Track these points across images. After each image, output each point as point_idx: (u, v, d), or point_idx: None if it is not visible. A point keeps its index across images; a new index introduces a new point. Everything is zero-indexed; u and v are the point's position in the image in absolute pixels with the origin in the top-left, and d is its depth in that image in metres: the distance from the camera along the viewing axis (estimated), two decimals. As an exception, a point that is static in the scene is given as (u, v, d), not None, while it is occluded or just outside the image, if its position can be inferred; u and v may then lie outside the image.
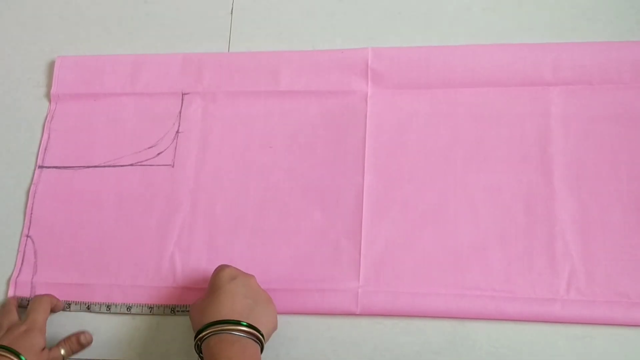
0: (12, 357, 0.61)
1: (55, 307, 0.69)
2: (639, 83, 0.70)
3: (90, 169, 0.75)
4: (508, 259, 0.67)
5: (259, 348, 0.59)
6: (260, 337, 0.59)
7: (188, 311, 0.67)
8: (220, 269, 0.64)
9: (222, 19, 0.81)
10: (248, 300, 0.61)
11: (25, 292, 0.71)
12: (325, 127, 0.74)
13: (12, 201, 0.75)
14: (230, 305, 0.60)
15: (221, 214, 0.72)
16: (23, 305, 0.70)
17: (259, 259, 0.70)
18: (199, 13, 0.81)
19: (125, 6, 0.83)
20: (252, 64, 0.76)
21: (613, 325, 0.64)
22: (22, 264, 0.72)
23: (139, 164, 0.75)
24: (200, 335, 0.59)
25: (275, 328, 0.63)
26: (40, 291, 0.71)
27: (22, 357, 0.61)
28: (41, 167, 0.76)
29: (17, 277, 0.71)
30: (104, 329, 0.69)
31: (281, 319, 0.68)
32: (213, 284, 0.63)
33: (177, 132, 0.75)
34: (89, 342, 0.68)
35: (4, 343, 0.62)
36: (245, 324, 0.58)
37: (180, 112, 0.76)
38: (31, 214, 0.74)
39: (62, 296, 0.70)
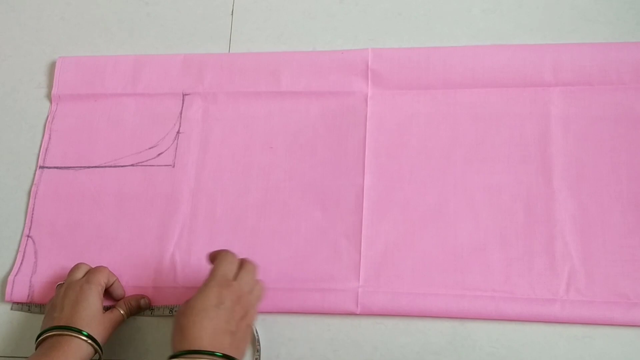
0: (78, 335, 0.61)
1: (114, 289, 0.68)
2: (638, 84, 0.70)
3: (91, 169, 0.75)
4: (508, 260, 0.67)
5: None
6: None
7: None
8: (210, 285, 0.60)
9: (223, 20, 0.81)
10: (231, 332, 0.58)
11: (23, 292, 0.71)
12: (325, 127, 0.74)
13: (13, 201, 0.76)
14: (212, 335, 0.57)
15: (221, 214, 0.72)
16: (24, 311, 0.71)
17: (259, 258, 0.69)
18: (199, 14, 0.81)
19: (126, 7, 0.83)
20: (253, 65, 0.77)
21: (612, 325, 0.64)
22: (21, 263, 0.72)
23: (140, 164, 0.75)
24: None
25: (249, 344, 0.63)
26: (39, 291, 0.71)
27: (84, 332, 0.61)
28: (42, 167, 0.76)
29: (15, 276, 0.72)
30: (105, 329, 0.69)
31: (281, 319, 0.68)
32: (201, 302, 0.59)
33: (178, 132, 0.75)
34: (148, 307, 0.69)
35: (63, 323, 0.62)
36: (220, 354, 0.57)
37: (181, 113, 0.76)
38: (32, 214, 0.74)
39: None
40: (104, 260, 0.71)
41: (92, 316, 0.63)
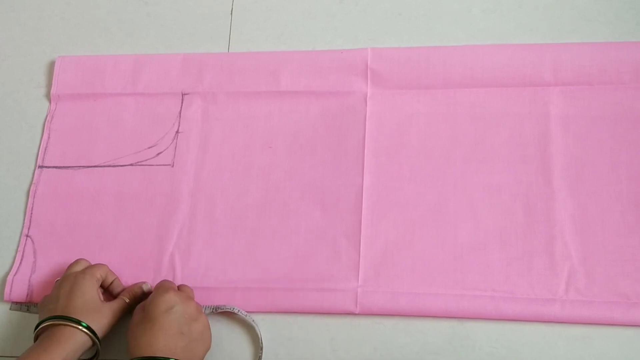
0: (71, 324, 0.61)
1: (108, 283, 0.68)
2: (638, 83, 0.70)
3: (90, 168, 0.75)
4: (507, 259, 0.67)
5: None
6: None
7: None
8: (159, 294, 0.62)
9: (222, 20, 0.81)
10: (183, 336, 0.60)
11: (22, 292, 0.71)
12: (325, 127, 0.74)
13: (12, 201, 0.75)
14: (163, 341, 0.59)
15: (221, 214, 0.72)
16: (23, 311, 0.71)
17: (259, 258, 0.70)
18: (199, 13, 0.81)
19: (125, 7, 0.83)
20: (253, 65, 0.77)
21: (612, 325, 0.64)
22: (20, 263, 0.72)
23: (139, 163, 0.75)
24: None
25: (208, 349, 0.64)
26: (38, 291, 0.70)
27: (78, 321, 0.61)
28: (41, 167, 0.76)
29: (15, 275, 0.71)
30: (104, 328, 0.69)
31: (280, 319, 0.68)
32: (149, 311, 0.61)
33: (177, 132, 0.75)
34: (151, 292, 0.68)
35: (58, 313, 0.62)
36: None
37: (180, 112, 0.76)
38: (31, 213, 0.74)
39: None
40: (103, 260, 0.70)
41: (87, 305, 0.63)
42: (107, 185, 0.74)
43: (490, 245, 0.67)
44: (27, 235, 0.73)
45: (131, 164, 0.75)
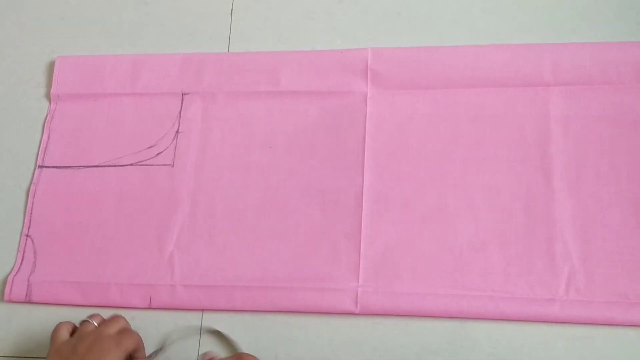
0: None
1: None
2: (638, 84, 0.70)
3: (90, 168, 0.75)
4: (507, 260, 0.67)
5: None
6: None
7: None
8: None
9: (222, 20, 0.81)
10: None
11: (21, 291, 0.71)
12: (325, 127, 0.74)
13: (12, 201, 0.75)
14: None
15: (221, 213, 0.72)
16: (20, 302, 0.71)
17: (259, 258, 0.70)
18: (199, 13, 0.81)
19: (125, 7, 0.83)
20: (252, 64, 0.77)
21: (612, 325, 0.64)
22: (21, 263, 0.72)
23: (139, 163, 0.75)
24: None
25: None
26: (37, 290, 0.70)
27: None
28: (41, 166, 0.76)
29: (15, 275, 0.71)
30: (103, 328, 0.69)
31: (280, 319, 0.68)
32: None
33: (177, 132, 0.75)
34: None
35: None
36: None
37: (180, 112, 0.76)
38: (31, 213, 0.74)
39: (59, 295, 0.70)
40: (103, 259, 0.71)
41: None
42: (107, 185, 0.74)
43: (490, 246, 0.67)
44: (27, 235, 0.73)
45: (131, 164, 0.75)
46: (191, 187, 0.73)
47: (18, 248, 0.73)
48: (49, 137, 0.77)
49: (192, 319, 0.69)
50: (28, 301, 0.71)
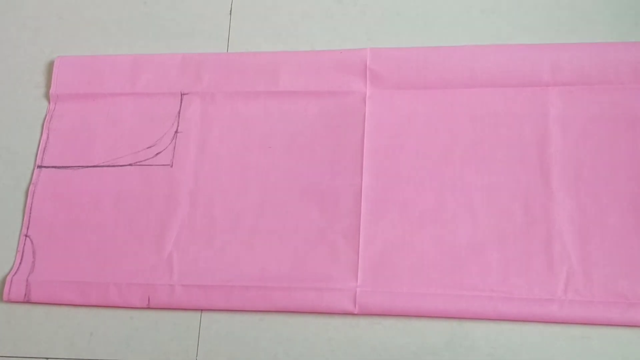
0: None
1: None
2: (637, 84, 0.70)
3: (89, 168, 0.75)
4: (506, 260, 0.67)
5: None
6: None
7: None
8: None
9: (221, 20, 0.81)
10: None
11: (20, 291, 0.71)
12: (323, 127, 0.74)
13: (12, 201, 0.75)
14: None
15: (219, 214, 0.72)
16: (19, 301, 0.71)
17: (257, 258, 0.70)
18: (198, 14, 0.81)
19: (124, 7, 0.83)
20: (251, 64, 0.77)
21: (611, 325, 0.64)
22: (20, 263, 0.72)
23: (138, 163, 0.75)
24: None
25: None
26: (35, 290, 0.70)
27: None
28: (40, 167, 0.76)
29: (14, 275, 0.71)
30: (103, 329, 0.69)
31: (279, 319, 0.68)
32: None
33: (176, 132, 0.75)
34: None
35: None
36: None
37: (179, 113, 0.76)
38: (30, 213, 0.74)
39: (58, 295, 0.70)
40: (102, 259, 0.71)
41: None
42: (106, 185, 0.74)
43: (489, 246, 0.67)
44: (26, 235, 0.73)
45: (130, 164, 0.75)
46: (190, 187, 0.73)
47: (17, 248, 0.73)
48: (48, 137, 0.77)
49: (191, 319, 0.69)
50: (27, 301, 0.71)
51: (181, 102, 0.77)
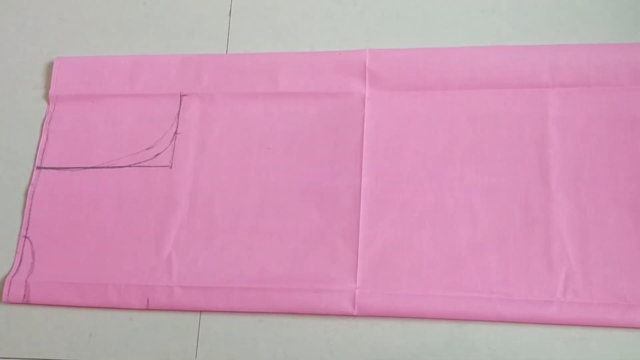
0: None
1: None
2: (636, 85, 0.70)
3: (89, 169, 0.75)
4: (505, 261, 0.67)
5: None
6: None
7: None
8: None
9: (221, 21, 0.81)
10: None
11: (19, 292, 0.71)
12: (323, 128, 0.74)
13: (11, 202, 0.75)
14: None
15: (219, 215, 0.72)
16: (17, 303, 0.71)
17: (257, 259, 0.70)
18: (197, 15, 0.81)
19: (124, 8, 0.83)
20: (251, 65, 0.77)
21: (610, 327, 0.64)
22: (19, 264, 0.72)
23: (137, 165, 0.75)
24: None
25: None
26: (34, 291, 0.71)
27: None
28: (39, 168, 0.76)
29: (13, 276, 0.72)
30: (102, 330, 0.69)
31: (278, 320, 0.68)
32: None
33: (176, 133, 0.75)
34: None
35: None
36: None
37: (178, 114, 0.76)
38: (29, 214, 0.74)
39: (57, 296, 0.70)
40: (101, 260, 0.71)
41: None
42: (106, 186, 0.74)
43: (488, 247, 0.67)
44: (25, 237, 0.73)
45: (129, 165, 0.75)
46: (189, 188, 0.73)
47: (16, 249, 0.73)
48: (47, 138, 0.77)
49: (190, 320, 0.69)
50: (26, 302, 0.71)
51: (181, 103, 0.77)
